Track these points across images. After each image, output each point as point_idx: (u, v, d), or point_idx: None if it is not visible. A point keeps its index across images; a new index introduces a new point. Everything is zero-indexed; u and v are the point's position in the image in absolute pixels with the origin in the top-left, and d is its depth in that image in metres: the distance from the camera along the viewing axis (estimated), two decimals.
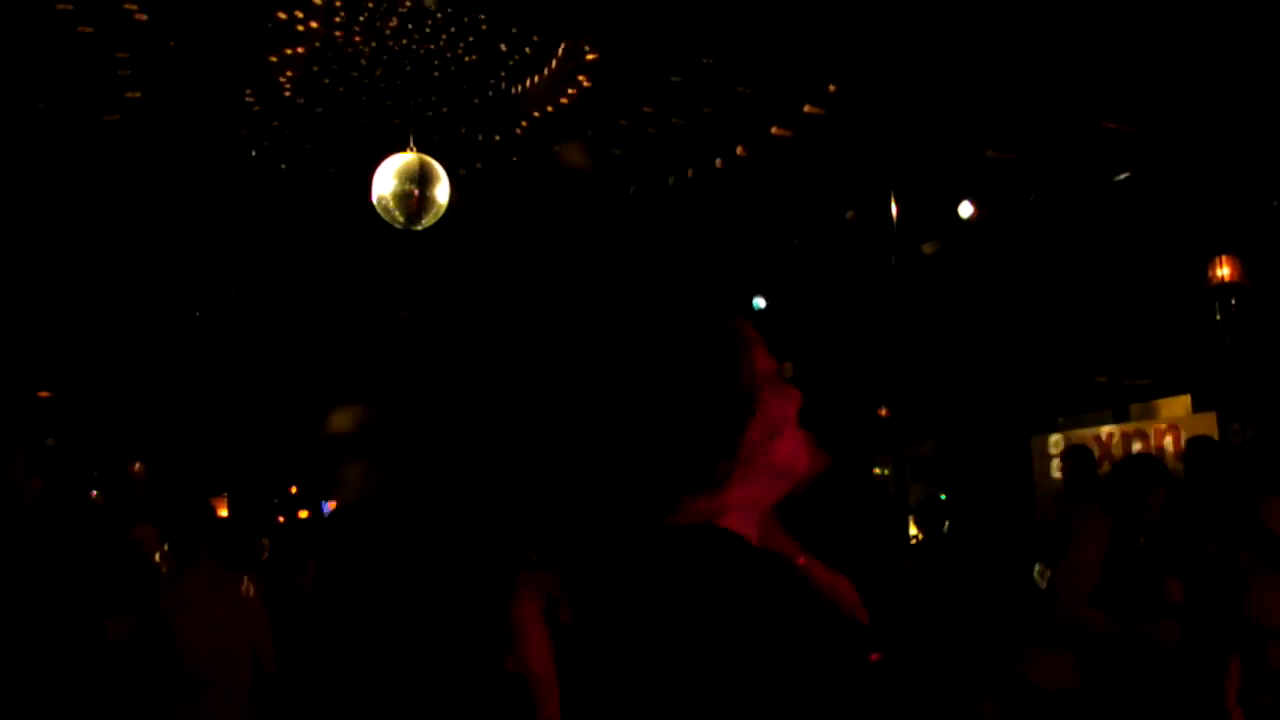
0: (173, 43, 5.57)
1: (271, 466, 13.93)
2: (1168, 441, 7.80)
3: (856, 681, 1.14)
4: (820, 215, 7.77)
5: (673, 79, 6.05)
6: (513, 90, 6.18)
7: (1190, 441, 5.76)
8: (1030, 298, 8.13)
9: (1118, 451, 8.15)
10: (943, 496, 9.53)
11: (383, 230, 5.81)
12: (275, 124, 6.50)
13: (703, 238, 7.85)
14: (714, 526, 1.20)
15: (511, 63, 5.92)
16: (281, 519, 14.27)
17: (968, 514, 8.83)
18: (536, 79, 6.08)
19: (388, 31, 5.59)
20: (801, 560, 1.80)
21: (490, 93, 6.22)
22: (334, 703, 3.09)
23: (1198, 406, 8.24)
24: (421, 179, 5.54)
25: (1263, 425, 6.95)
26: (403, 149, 5.68)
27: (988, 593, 5.79)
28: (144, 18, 5.32)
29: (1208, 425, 7.56)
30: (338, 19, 5.52)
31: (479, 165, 6.99)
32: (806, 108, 6.25)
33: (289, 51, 5.84)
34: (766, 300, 8.84)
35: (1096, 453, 7.60)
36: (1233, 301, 6.97)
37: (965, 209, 7.12)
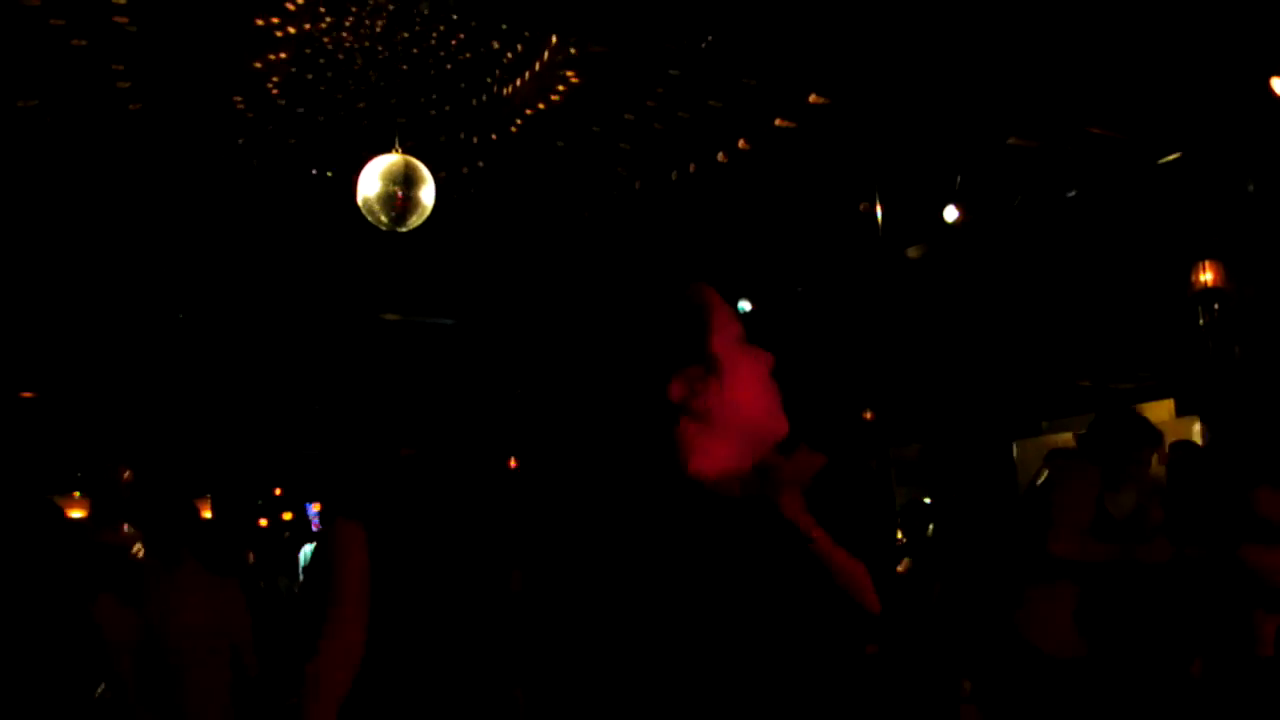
0: (156, 45, 5.55)
1: (255, 468, 13.90)
2: None
3: (818, 648, 1.14)
4: (803, 217, 7.78)
5: (657, 89, 6.06)
6: (503, 92, 6.17)
7: (1173, 446, 5.78)
8: (1015, 302, 8.16)
9: None
10: (927, 500, 9.56)
11: (368, 232, 5.80)
12: (254, 119, 6.47)
13: (684, 241, 7.85)
14: (688, 482, 1.20)
15: (506, 59, 5.92)
16: (264, 521, 14.25)
17: (952, 517, 8.86)
18: (517, 84, 6.07)
19: (376, 31, 5.58)
20: (815, 534, 1.81)
21: (484, 96, 6.22)
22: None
23: (1181, 411, 8.26)
24: (406, 181, 5.53)
25: (1245, 429, 6.98)
26: (388, 150, 5.67)
27: (971, 594, 5.81)
28: (124, 20, 5.30)
29: (1191, 430, 7.60)
30: (324, 25, 5.52)
31: (465, 170, 6.99)
32: (780, 121, 6.27)
33: (272, 58, 5.83)
34: (751, 302, 8.84)
35: None
36: (1216, 307, 7.00)
37: (950, 213, 7.14)
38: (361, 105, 6.25)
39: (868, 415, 10.77)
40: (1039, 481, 4.53)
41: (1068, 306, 7.95)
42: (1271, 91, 5.25)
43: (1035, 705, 4.20)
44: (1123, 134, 6.15)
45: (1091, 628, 4.15)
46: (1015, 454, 9.06)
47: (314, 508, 14.54)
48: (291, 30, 5.57)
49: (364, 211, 5.61)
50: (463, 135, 6.66)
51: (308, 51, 5.78)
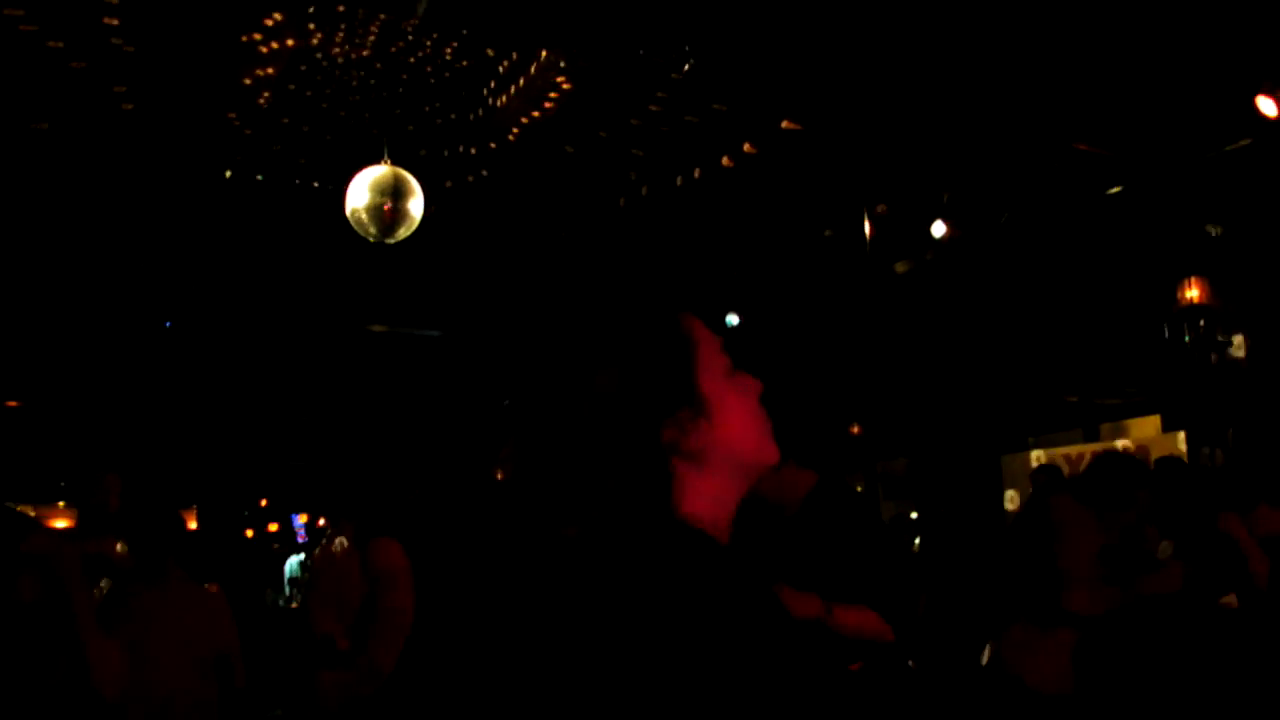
0: (145, 55, 5.55)
1: (241, 479, 13.85)
2: None
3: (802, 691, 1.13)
4: (793, 233, 7.79)
5: (649, 104, 6.08)
6: (497, 103, 6.18)
7: (1159, 462, 5.80)
8: (1002, 317, 8.19)
9: None
10: (914, 514, 9.59)
11: (356, 243, 5.80)
12: (241, 130, 6.47)
13: (671, 257, 7.87)
14: (677, 525, 1.20)
15: (500, 70, 5.92)
16: (250, 532, 14.20)
17: (938, 531, 8.88)
18: (506, 97, 6.08)
19: (369, 41, 5.59)
20: (824, 614, 1.83)
21: (479, 110, 6.23)
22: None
23: (1167, 426, 8.30)
24: (395, 192, 5.52)
25: (1234, 445, 7.01)
26: (377, 162, 5.66)
27: (957, 607, 5.82)
28: (114, 20, 5.29)
29: (1177, 445, 7.64)
30: (314, 40, 5.52)
31: (448, 185, 6.99)
32: (775, 127, 6.29)
33: (261, 73, 5.83)
34: (740, 317, 8.85)
35: (1066, 471, 7.65)
36: (1202, 323, 7.04)
37: (938, 228, 7.16)
38: (344, 114, 6.24)
39: (855, 430, 10.79)
40: (1026, 510, 4.52)
41: (1055, 322, 7.98)
42: (1257, 109, 5.29)
43: None
44: (1109, 150, 6.18)
45: (1091, 667, 4.14)
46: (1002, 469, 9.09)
47: (300, 519, 14.49)
48: (275, 46, 5.57)
49: (352, 223, 5.60)
50: (449, 151, 6.67)
51: (303, 68, 5.78)
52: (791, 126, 6.28)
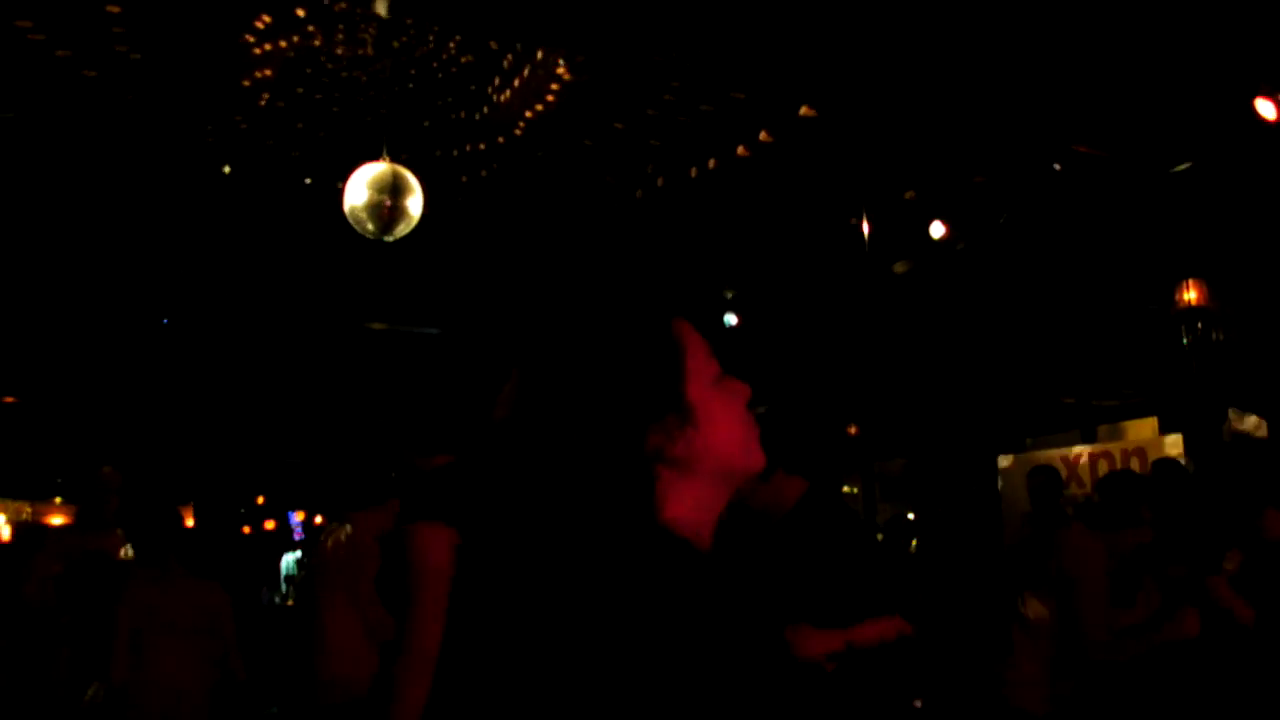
0: (136, 55, 5.55)
1: (239, 476, 13.85)
2: (1134, 463, 7.86)
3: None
4: (791, 235, 7.79)
5: (643, 99, 6.08)
6: (498, 99, 6.18)
7: (1156, 464, 5.80)
8: (1000, 318, 8.19)
9: (1085, 473, 8.21)
10: (910, 515, 9.60)
11: (355, 241, 5.79)
12: (240, 127, 6.47)
13: (670, 254, 7.87)
14: (658, 531, 1.20)
15: (500, 75, 5.92)
16: (248, 529, 14.19)
17: (935, 532, 8.89)
18: (507, 93, 6.08)
19: (369, 37, 5.59)
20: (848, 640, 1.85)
21: (482, 106, 6.22)
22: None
23: (1164, 429, 8.31)
24: (394, 189, 5.52)
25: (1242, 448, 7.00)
26: (376, 159, 5.66)
27: (954, 609, 5.82)
28: (115, 8, 5.29)
29: (1174, 447, 7.64)
30: (315, 42, 5.52)
31: (464, 179, 6.99)
32: (766, 133, 6.29)
33: (260, 75, 5.83)
34: (737, 318, 8.85)
35: (1064, 473, 7.66)
36: (1199, 325, 7.04)
37: (936, 229, 7.16)
38: (337, 110, 6.24)
39: (853, 430, 10.80)
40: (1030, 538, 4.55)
41: (1052, 323, 7.99)
42: (1255, 112, 5.29)
43: None
44: (1108, 152, 6.18)
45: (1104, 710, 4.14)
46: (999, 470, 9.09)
47: (296, 517, 14.49)
48: (268, 48, 5.57)
49: (351, 220, 5.60)
50: (449, 149, 6.67)
51: (303, 67, 5.78)
52: (783, 131, 6.29)
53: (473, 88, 6.07)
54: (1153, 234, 6.87)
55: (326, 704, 4.24)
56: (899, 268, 7.79)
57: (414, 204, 5.61)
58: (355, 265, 7.51)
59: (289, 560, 11.38)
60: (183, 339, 9.33)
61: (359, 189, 5.54)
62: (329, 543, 4.50)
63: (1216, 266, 7.05)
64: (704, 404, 1.25)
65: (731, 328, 8.80)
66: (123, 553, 5.19)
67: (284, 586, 11.20)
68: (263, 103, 6.15)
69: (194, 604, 4.54)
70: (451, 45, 5.69)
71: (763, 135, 6.41)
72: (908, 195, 6.96)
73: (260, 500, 14.90)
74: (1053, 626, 4.35)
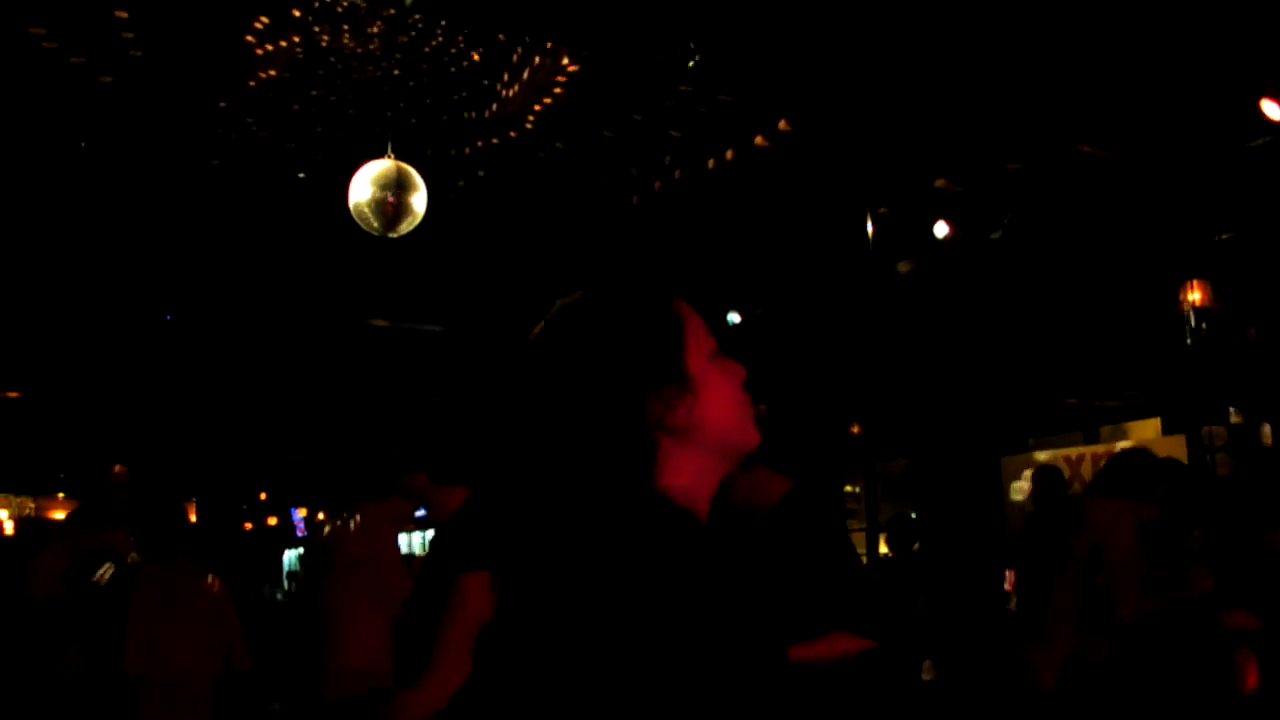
0: (138, 53, 5.55)
1: (241, 472, 13.87)
2: None
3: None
4: (793, 234, 7.79)
5: (649, 98, 6.08)
6: (505, 94, 6.17)
7: (1164, 459, 5.79)
8: (1003, 318, 8.19)
9: (1087, 473, 8.20)
10: (913, 515, 9.58)
11: (358, 237, 5.80)
12: (243, 122, 6.47)
13: (672, 254, 7.87)
14: (656, 497, 1.21)
15: (507, 75, 5.92)
16: (249, 525, 14.21)
17: (938, 532, 8.88)
18: (513, 90, 6.08)
19: (374, 33, 5.59)
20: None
21: (489, 103, 6.23)
22: None
23: (1167, 429, 8.30)
24: (399, 186, 5.53)
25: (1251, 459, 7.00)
26: (380, 156, 5.67)
27: (956, 609, 5.84)
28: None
29: (1177, 448, 7.62)
30: (322, 41, 5.52)
31: (464, 180, 6.99)
32: (780, 124, 6.28)
33: (264, 76, 5.84)
34: (740, 315, 8.85)
35: (1066, 473, 7.65)
36: (1203, 325, 7.04)
37: (940, 229, 7.16)
38: (346, 108, 6.25)
39: (855, 429, 10.78)
40: (1049, 513, 4.58)
41: (1056, 323, 7.99)
42: (1261, 113, 5.29)
43: None
44: (1112, 153, 6.18)
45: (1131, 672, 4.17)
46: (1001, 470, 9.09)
47: (299, 513, 14.51)
48: (270, 47, 5.57)
49: (355, 217, 5.61)
50: (455, 148, 6.67)
51: (309, 65, 5.78)
52: (788, 128, 6.29)
53: (485, 82, 6.06)
54: (1157, 234, 6.86)
55: (342, 697, 4.22)
56: (902, 267, 7.79)
57: (418, 201, 5.62)
58: (359, 262, 7.52)
59: (291, 556, 11.40)
60: (186, 335, 9.34)
61: (364, 185, 5.55)
62: (337, 535, 4.48)
63: (1221, 267, 7.04)
64: (702, 376, 1.28)
65: (734, 326, 8.81)
66: (131, 557, 5.21)
67: (286, 582, 11.22)
68: (268, 97, 6.15)
69: (201, 596, 4.62)
70: (460, 40, 5.69)
71: (758, 140, 6.42)
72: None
73: (263, 496, 14.92)
74: (1077, 599, 4.38)
